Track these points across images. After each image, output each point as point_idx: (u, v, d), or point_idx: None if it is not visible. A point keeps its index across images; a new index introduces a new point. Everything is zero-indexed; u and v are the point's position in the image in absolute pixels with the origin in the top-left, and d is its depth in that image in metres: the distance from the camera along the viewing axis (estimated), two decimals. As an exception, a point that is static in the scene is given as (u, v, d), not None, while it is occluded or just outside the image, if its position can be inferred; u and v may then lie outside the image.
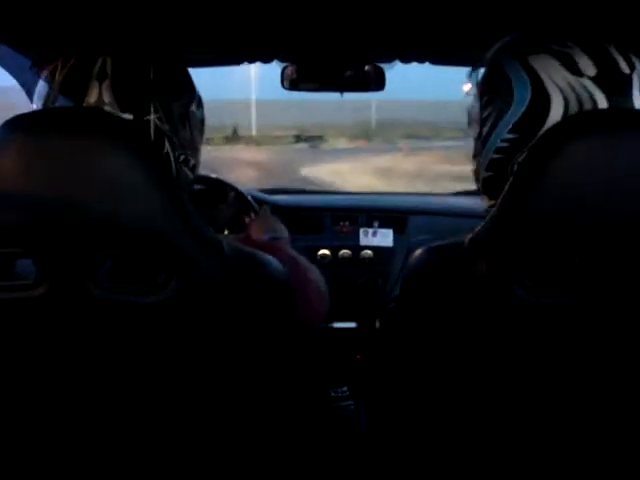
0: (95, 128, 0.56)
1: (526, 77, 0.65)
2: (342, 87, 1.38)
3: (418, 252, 0.70)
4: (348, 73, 1.34)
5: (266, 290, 0.68)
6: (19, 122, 0.57)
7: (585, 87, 0.63)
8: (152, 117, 0.71)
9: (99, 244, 0.55)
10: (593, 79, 0.63)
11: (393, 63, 1.29)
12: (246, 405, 0.68)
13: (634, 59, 0.65)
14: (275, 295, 0.69)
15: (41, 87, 0.71)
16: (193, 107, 0.78)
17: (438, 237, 0.71)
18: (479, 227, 0.62)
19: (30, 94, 1.08)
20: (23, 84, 1.07)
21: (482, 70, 0.75)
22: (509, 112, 0.67)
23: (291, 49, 1.21)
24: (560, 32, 0.66)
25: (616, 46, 0.65)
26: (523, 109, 0.65)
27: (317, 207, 1.70)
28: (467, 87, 0.78)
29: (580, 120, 0.57)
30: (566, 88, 0.63)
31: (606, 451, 0.61)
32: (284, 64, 1.33)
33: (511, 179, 0.58)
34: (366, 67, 1.32)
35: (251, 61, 1.22)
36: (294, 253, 0.95)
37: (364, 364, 1.54)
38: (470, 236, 0.63)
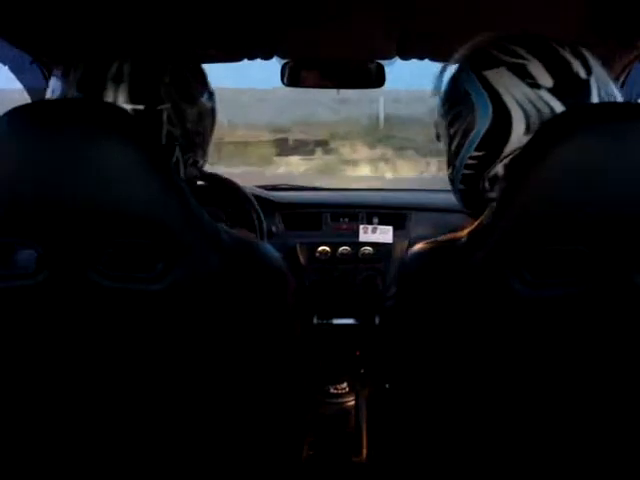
0: (94, 118, 0.56)
1: (485, 94, 0.65)
2: (342, 83, 1.38)
3: (415, 248, 0.71)
4: (348, 69, 1.34)
5: (264, 279, 0.68)
6: (20, 112, 0.57)
7: (543, 99, 0.63)
8: (164, 120, 0.71)
9: (99, 232, 0.56)
10: (550, 90, 0.63)
11: (393, 59, 1.29)
12: (244, 398, 0.68)
13: (591, 61, 0.64)
14: (273, 284, 0.69)
15: (55, 84, 0.72)
16: (205, 103, 0.79)
17: (438, 233, 0.71)
18: (477, 222, 0.62)
19: (28, 88, 1.08)
20: (21, 80, 1.06)
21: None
22: (474, 131, 0.67)
23: (291, 45, 1.21)
24: (513, 41, 0.66)
25: (571, 50, 0.64)
26: (486, 127, 0.65)
27: (317, 204, 1.69)
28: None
29: (574, 114, 0.57)
30: (525, 102, 0.63)
31: (605, 446, 0.62)
32: (284, 60, 1.33)
33: (509, 174, 0.59)
34: (366, 63, 1.32)
35: (251, 57, 1.22)
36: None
37: (363, 361, 1.54)
38: (467, 231, 0.63)
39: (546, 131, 0.56)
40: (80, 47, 0.71)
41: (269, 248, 0.70)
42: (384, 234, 1.59)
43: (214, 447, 0.67)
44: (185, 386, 0.63)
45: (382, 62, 1.33)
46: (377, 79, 1.34)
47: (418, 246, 0.70)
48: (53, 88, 0.72)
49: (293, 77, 1.34)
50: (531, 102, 0.63)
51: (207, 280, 0.60)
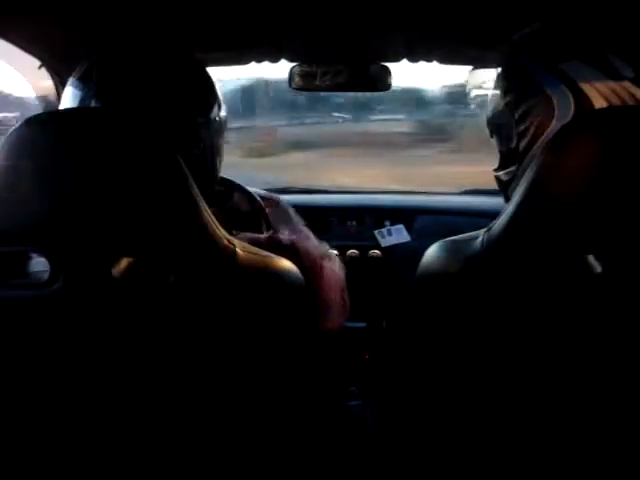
0: (111, 129, 0.56)
1: (564, 87, 0.62)
2: (349, 87, 1.38)
3: (434, 246, 0.70)
4: (355, 73, 1.34)
5: (280, 299, 0.67)
6: (35, 122, 0.58)
7: (627, 90, 0.60)
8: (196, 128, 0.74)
9: (112, 242, 0.56)
10: (633, 80, 0.60)
11: (400, 63, 1.30)
12: (255, 405, 0.68)
13: None
14: (290, 304, 0.69)
15: (71, 92, 0.72)
16: (218, 110, 0.80)
17: (445, 236, 0.71)
18: (494, 223, 0.61)
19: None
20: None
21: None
22: (551, 125, 0.64)
23: (299, 48, 1.22)
24: (585, 35, 0.64)
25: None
26: (567, 121, 0.61)
27: (324, 207, 1.69)
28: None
29: (590, 118, 0.57)
30: (609, 94, 0.61)
31: (621, 449, 0.61)
32: (292, 64, 1.33)
33: (527, 175, 0.58)
34: (373, 66, 1.32)
35: (259, 60, 1.23)
36: (318, 252, 0.96)
37: (372, 363, 1.54)
38: (485, 231, 0.63)
39: (559, 137, 0.56)
40: (88, 50, 0.72)
41: (286, 263, 0.70)
42: (399, 234, 1.57)
43: (222, 452, 0.67)
44: (198, 395, 0.63)
45: (388, 65, 1.33)
46: (384, 82, 1.34)
47: (438, 243, 0.69)
48: (69, 96, 0.72)
49: (300, 80, 1.34)
50: (615, 93, 0.60)
51: (220, 294, 0.60)
